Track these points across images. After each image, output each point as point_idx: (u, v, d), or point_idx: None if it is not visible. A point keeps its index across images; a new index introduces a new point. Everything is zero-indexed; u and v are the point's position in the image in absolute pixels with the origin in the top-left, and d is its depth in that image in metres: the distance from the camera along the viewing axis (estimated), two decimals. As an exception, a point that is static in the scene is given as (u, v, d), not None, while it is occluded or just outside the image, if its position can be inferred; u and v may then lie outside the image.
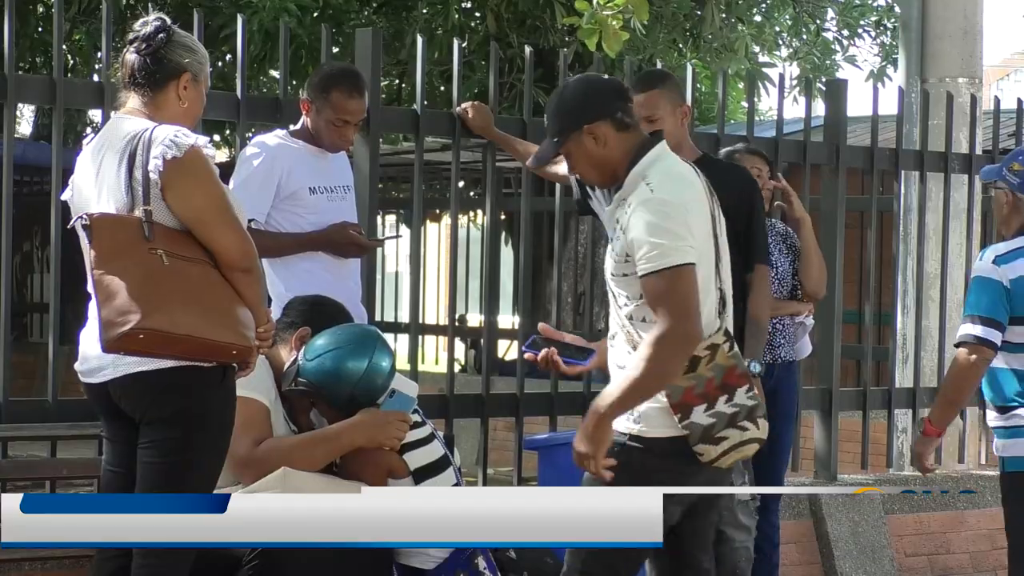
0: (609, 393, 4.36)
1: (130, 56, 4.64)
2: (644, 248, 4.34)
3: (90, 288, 4.56)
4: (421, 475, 5.32)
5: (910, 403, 8.05)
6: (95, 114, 17.15)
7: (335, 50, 11.65)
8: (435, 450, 5.40)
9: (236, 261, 4.55)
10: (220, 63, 13.55)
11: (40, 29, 14.33)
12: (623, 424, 4.44)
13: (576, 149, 4.54)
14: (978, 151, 8.34)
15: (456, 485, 5.42)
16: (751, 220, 5.89)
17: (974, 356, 5.56)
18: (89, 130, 18.59)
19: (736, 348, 4.51)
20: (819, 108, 8.28)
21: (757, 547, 6.62)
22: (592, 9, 7.43)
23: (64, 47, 6.69)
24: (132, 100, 4.67)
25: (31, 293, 17.38)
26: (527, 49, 7.06)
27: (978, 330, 5.54)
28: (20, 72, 7.65)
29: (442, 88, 13.72)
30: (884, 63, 17.01)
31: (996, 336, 5.55)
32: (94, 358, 4.61)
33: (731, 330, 4.54)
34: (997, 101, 8.80)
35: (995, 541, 7.89)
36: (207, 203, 4.54)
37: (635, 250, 4.36)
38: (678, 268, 4.32)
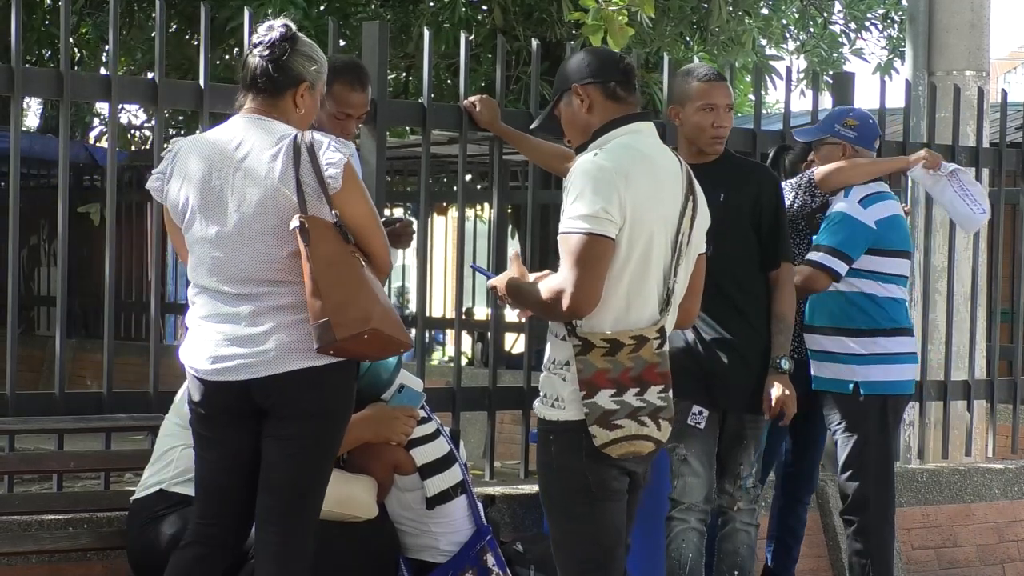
0: (525, 291, 4.62)
1: (253, 60, 4.71)
2: (568, 208, 4.44)
3: (292, 289, 4.57)
4: (427, 471, 5.32)
5: (917, 396, 8.03)
6: (102, 107, 17.15)
7: (342, 43, 11.64)
8: (441, 446, 5.40)
9: (387, 265, 4.77)
10: (227, 56, 13.56)
11: (47, 22, 14.34)
12: (545, 411, 4.58)
13: (565, 109, 4.69)
14: (985, 144, 8.32)
15: (462, 481, 5.41)
16: (776, 217, 5.91)
17: (819, 281, 6.21)
18: (97, 122, 18.63)
19: (666, 349, 4.56)
20: (826, 101, 8.26)
21: (780, 539, 6.67)
22: (597, 5, 7.42)
23: (71, 40, 6.68)
24: (252, 102, 4.73)
25: (38, 286, 17.39)
26: (534, 42, 7.05)
27: (830, 261, 6.21)
28: (27, 65, 7.65)
29: (449, 81, 13.74)
30: (891, 56, 17.03)
31: (843, 269, 6.22)
32: (238, 357, 4.60)
33: (668, 330, 4.59)
34: (1004, 94, 8.78)
35: (1002, 534, 7.90)
36: (368, 210, 4.69)
37: (564, 207, 4.48)
38: (590, 237, 4.40)
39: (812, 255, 6.21)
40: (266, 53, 4.68)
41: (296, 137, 4.58)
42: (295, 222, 4.51)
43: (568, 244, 4.42)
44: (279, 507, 4.66)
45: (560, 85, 4.72)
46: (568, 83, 4.68)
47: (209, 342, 4.64)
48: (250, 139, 4.62)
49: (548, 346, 4.66)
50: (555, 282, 4.46)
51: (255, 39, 4.74)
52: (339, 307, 4.47)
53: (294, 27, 4.76)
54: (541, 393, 4.64)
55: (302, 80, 4.72)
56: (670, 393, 4.57)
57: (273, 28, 4.72)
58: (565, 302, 4.41)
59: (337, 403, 4.67)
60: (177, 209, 4.70)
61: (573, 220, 4.41)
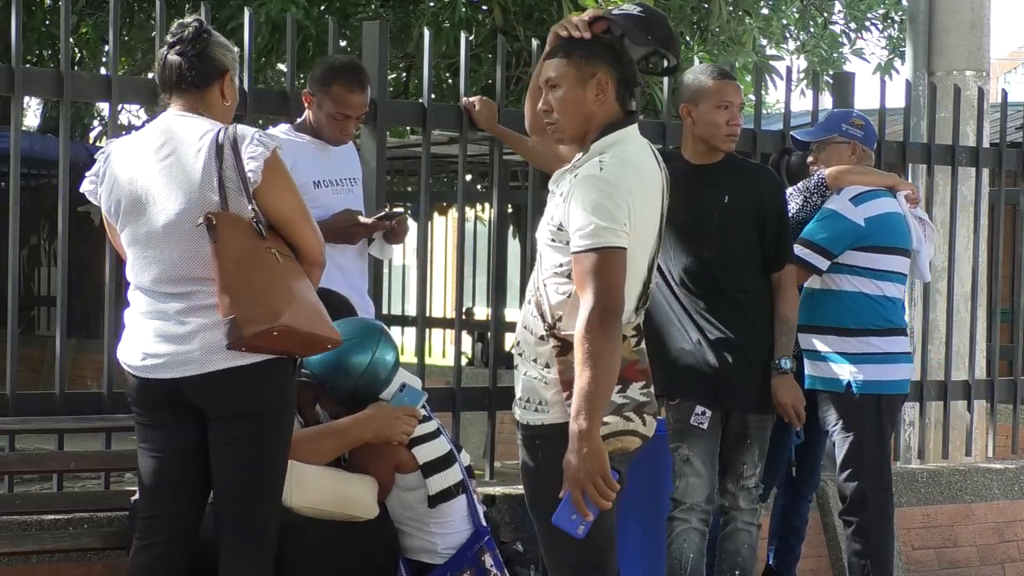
0: (578, 407, 4.26)
1: (174, 58, 4.72)
2: (580, 224, 4.33)
3: (197, 287, 4.57)
4: (429, 469, 5.32)
5: (917, 396, 8.04)
6: (102, 107, 17.13)
7: (342, 43, 11.63)
8: (442, 444, 5.40)
9: (318, 258, 4.74)
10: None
11: (47, 22, 14.34)
12: (529, 417, 4.50)
13: (575, 88, 4.49)
14: (985, 144, 8.32)
15: (463, 480, 5.41)
16: (780, 221, 5.93)
17: (797, 276, 6.09)
18: (96, 123, 18.63)
19: (643, 346, 4.52)
20: (826, 101, 8.26)
21: (782, 537, 6.68)
22: (596, 5, 7.42)
23: (71, 40, 6.68)
24: (178, 99, 4.74)
25: (38, 286, 17.39)
26: (534, 42, 7.04)
27: (808, 255, 6.22)
28: (27, 65, 7.65)
29: (449, 81, 13.72)
30: (891, 56, 17.04)
31: (822, 264, 6.27)
32: (166, 355, 4.63)
33: (642, 326, 4.54)
34: (1004, 94, 8.77)
35: (1002, 534, 7.90)
36: (295, 202, 4.69)
37: (571, 224, 4.36)
38: (610, 250, 4.31)
39: (794, 248, 6.21)
40: (189, 48, 4.69)
41: (219, 133, 4.58)
42: (201, 219, 4.53)
43: (591, 261, 4.29)
44: (232, 511, 4.68)
45: (596, 57, 4.48)
46: (596, 66, 4.48)
47: (141, 339, 4.68)
48: (175, 138, 4.64)
49: (523, 343, 4.57)
50: (585, 313, 4.27)
51: (170, 38, 4.74)
52: (246, 304, 4.46)
53: (205, 21, 4.80)
54: (523, 398, 4.55)
55: (226, 69, 4.75)
56: (652, 388, 4.52)
57: (187, 25, 4.73)
58: (609, 316, 4.27)
59: (270, 402, 4.66)
60: (110, 211, 4.75)
61: (592, 235, 4.29)
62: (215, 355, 4.56)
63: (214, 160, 4.55)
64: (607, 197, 4.33)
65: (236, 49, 4.83)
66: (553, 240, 4.46)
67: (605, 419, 4.38)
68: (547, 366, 4.46)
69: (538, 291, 4.48)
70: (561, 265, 4.42)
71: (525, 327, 4.54)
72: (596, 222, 4.31)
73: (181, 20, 4.79)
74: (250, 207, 4.56)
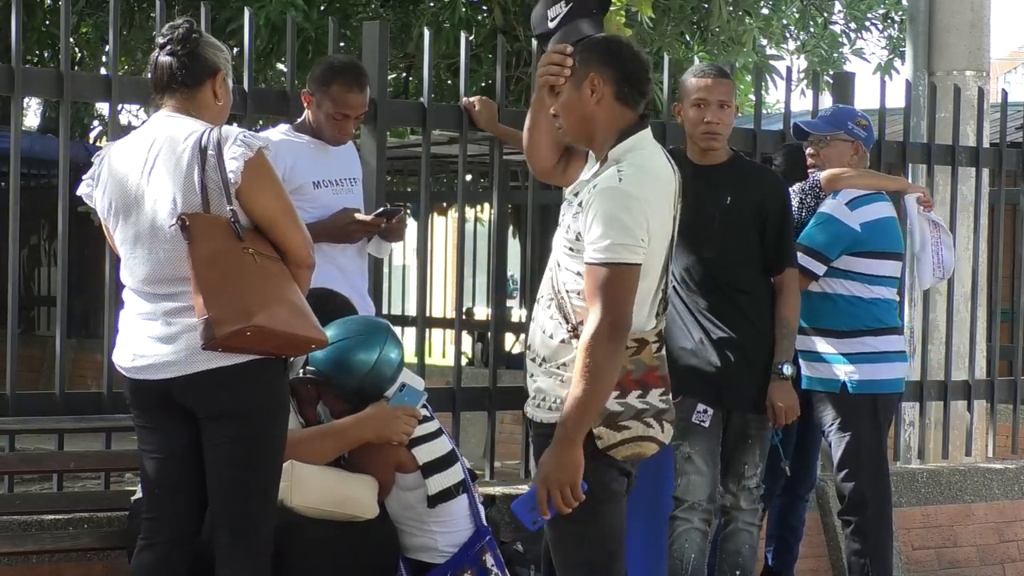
0: (568, 415, 4.30)
1: (165, 59, 4.72)
2: (596, 236, 4.30)
3: (178, 288, 4.57)
4: (430, 469, 5.32)
5: (917, 396, 8.04)
6: (102, 107, 17.13)
7: (342, 44, 11.63)
8: (443, 444, 5.40)
9: (305, 259, 4.71)
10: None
11: (47, 22, 14.34)
12: (543, 415, 4.46)
13: (571, 92, 4.46)
14: (985, 144, 8.33)
15: (464, 480, 5.41)
16: (782, 223, 5.93)
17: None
18: (96, 123, 18.63)
19: (664, 352, 4.51)
20: (826, 101, 8.26)
21: (781, 537, 6.68)
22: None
23: (71, 40, 6.69)
24: (170, 100, 4.74)
25: (38, 286, 17.39)
26: (534, 42, 7.05)
27: (806, 260, 6.20)
28: (27, 65, 7.65)
29: (449, 81, 13.73)
30: (891, 56, 17.06)
31: (819, 269, 6.27)
32: (153, 355, 4.64)
33: (663, 332, 4.54)
34: (1004, 94, 8.78)
35: (1002, 534, 7.90)
36: (278, 203, 4.67)
37: (587, 234, 4.34)
38: (624, 266, 4.29)
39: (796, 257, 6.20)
40: (179, 49, 4.70)
41: (203, 134, 4.58)
42: (175, 221, 4.54)
43: (604, 275, 4.28)
44: (225, 512, 4.68)
45: (586, 60, 4.44)
46: (588, 66, 4.44)
47: (132, 340, 4.69)
48: (163, 138, 4.64)
49: (539, 347, 4.52)
50: (592, 326, 4.28)
51: (161, 40, 4.75)
52: (218, 304, 4.46)
53: (195, 22, 4.81)
54: (537, 396, 4.51)
55: (218, 69, 4.75)
56: (670, 396, 4.52)
57: (177, 26, 4.74)
58: (615, 333, 4.27)
59: (256, 402, 4.65)
60: (104, 212, 4.76)
61: (607, 250, 4.28)
62: (199, 356, 4.56)
63: (196, 161, 4.55)
64: (625, 210, 4.30)
65: (225, 49, 4.83)
66: (571, 249, 4.42)
67: (625, 423, 4.39)
68: (564, 365, 4.43)
69: (559, 295, 4.45)
70: (580, 273, 4.39)
71: (542, 330, 4.50)
72: (612, 236, 4.29)
73: (172, 22, 4.80)
74: (228, 208, 4.56)
